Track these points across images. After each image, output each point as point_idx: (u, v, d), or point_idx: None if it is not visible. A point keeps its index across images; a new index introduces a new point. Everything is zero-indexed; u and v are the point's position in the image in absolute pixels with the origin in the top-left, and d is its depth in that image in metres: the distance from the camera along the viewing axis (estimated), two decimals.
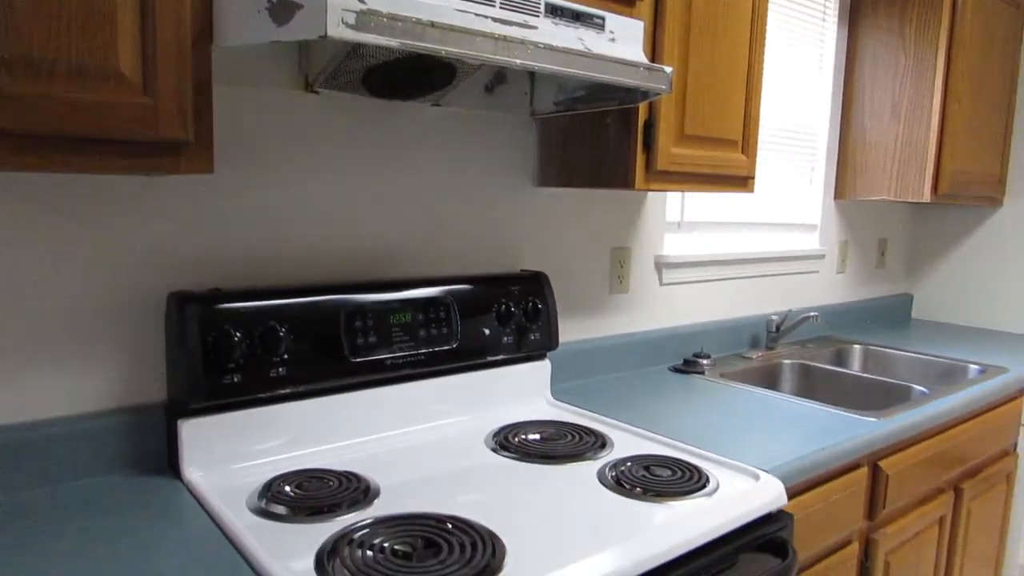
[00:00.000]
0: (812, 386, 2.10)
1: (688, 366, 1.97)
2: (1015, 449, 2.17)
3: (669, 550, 1.00)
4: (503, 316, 1.52)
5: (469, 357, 1.47)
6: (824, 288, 2.63)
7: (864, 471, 1.49)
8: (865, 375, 2.02)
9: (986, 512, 2.03)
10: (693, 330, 2.10)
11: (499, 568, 0.91)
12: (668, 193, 2.02)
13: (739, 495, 1.16)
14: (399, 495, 1.12)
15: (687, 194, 2.08)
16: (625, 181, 1.46)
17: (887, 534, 1.59)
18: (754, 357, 2.14)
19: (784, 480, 1.25)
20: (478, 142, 1.58)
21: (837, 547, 1.49)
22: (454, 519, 1.03)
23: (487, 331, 1.50)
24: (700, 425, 1.48)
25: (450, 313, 1.44)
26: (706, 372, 1.94)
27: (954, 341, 2.52)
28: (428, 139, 1.50)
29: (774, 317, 2.26)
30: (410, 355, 1.38)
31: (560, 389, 1.74)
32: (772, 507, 1.17)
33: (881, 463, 1.54)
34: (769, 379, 2.09)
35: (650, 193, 1.96)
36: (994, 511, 2.08)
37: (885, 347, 2.37)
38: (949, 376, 2.18)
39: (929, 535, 1.78)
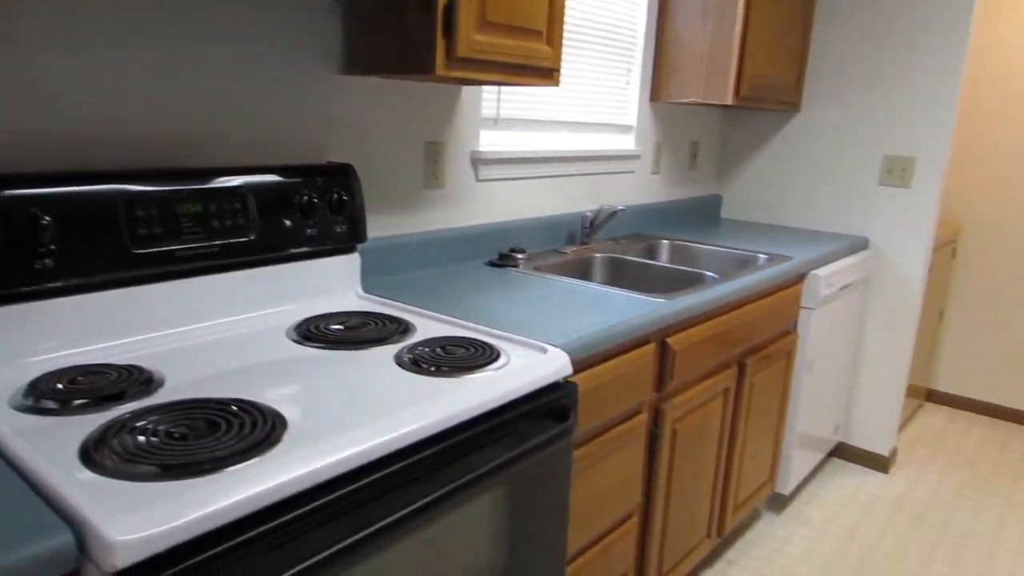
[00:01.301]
0: (621, 276, 2.23)
1: (503, 260, 2.03)
2: (795, 329, 2.42)
3: (451, 417, 1.05)
4: (306, 208, 1.49)
5: (269, 250, 1.43)
6: (640, 188, 2.76)
7: (652, 347, 1.62)
8: (667, 265, 2.17)
9: (768, 386, 2.28)
10: (510, 226, 2.15)
11: (277, 441, 0.92)
12: (483, 88, 2.02)
13: (526, 367, 1.22)
14: (187, 387, 1.09)
15: (503, 90, 2.09)
16: (426, 67, 1.44)
17: (674, 405, 1.75)
18: (568, 252, 2.23)
19: (572, 353, 1.33)
20: (280, 24, 1.49)
21: (629, 415, 1.62)
22: (239, 401, 1.02)
23: (289, 223, 1.46)
24: (503, 310, 1.54)
25: (247, 204, 1.39)
26: (520, 266, 2.01)
27: (754, 237, 2.75)
28: (225, 17, 1.39)
29: (588, 214, 2.36)
30: (202, 247, 1.32)
31: (374, 284, 1.74)
32: (557, 377, 1.25)
33: (669, 340, 1.68)
34: (581, 271, 2.20)
35: (464, 88, 1.95)
36: (775, 385, 2.34)
37: (691, 242, 2.54)
38: (743, 265, 2.38)
39: (715, 406, 1.98)
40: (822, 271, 2.40)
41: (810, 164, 3.02)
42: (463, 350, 1.29)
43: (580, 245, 2.34)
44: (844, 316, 2.73)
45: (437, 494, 0.99)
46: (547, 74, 1.68)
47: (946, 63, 2.66)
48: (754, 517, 2.66)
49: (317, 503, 0.87)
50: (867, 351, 3.01)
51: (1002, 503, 2.86)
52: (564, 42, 2.25)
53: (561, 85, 2.27)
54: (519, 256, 2.04)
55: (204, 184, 1.33)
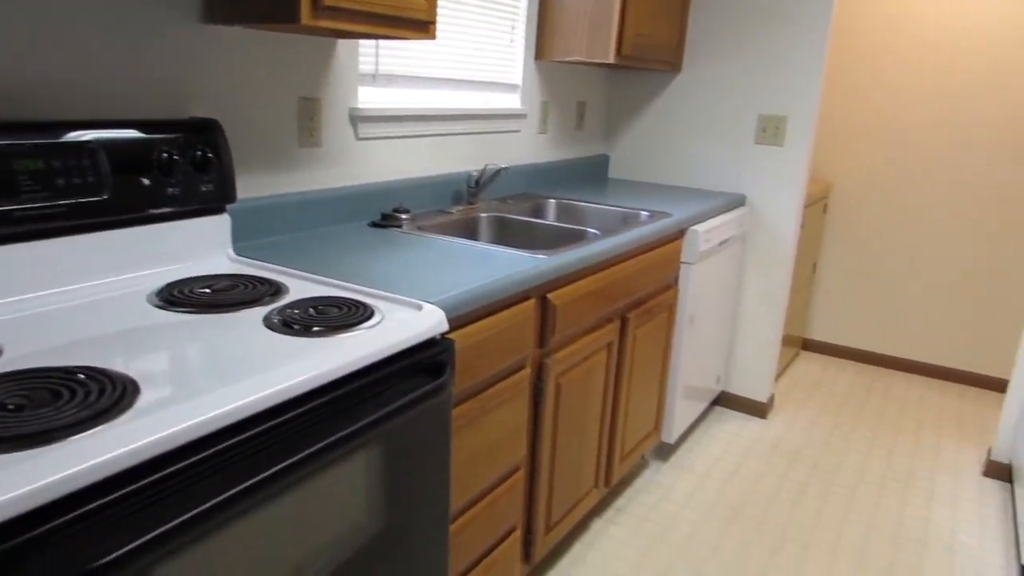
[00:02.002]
0: (506, 235, 2.23)
1: (386, 221, 1.99)
2: (676, 284, 2.50)
3: (317, 377, 1.02)
4: (166, 166, 1.40)
5: (126, 211, 1.35)
6: (527, 148, 2.76)
7: (533, 303, 1.63)
8: (551, 223, 2.18)
9: (650, 339, 2.35)
10: (394, 186, 2.11)
11: (127, 407, 0.87)
12: (360, 42, 1.95)
13: (400, 325, 1.21)
14: (30, 358, 1.02)
15: (381, 45, 2.02)
16: (291, 16, 1.37)
17: (557, 359, 1.78)
18: (454, 212, 2.21)
19: (449, 310, 1.32)
20: None
21: (512, 371, 1.64)
22: (88, 369, 0.96)
23: (147, 182, 1.38)
24: (382, 270, 1.51)
25: (97, 160, 1.29)
26: (404, 226, 1.97)
27: (639, 195, 2.81)
28: None
29: (474, 173, 2.34)
30: (46, 207, 1.23)
31: (248, 247, 1.67)
32: (432, 334, 1.24)
33: (550, 295, 1.69)
34: (467, 231, 2.19)
35: (339, 41, 1.88)
36: (657, 338, 2.42)
37: (577, 201, 2.57)
38: (626, 222, 2.42)
39: (598, 359, 2.02)
40: (701, 227, 2.48)
41: (691, 124, 3.10)
42: (336, 310, 1.25)
43: (466, 205, 2.33)
44: (723, 270, 2.85)
45: (302, 455, 0.96)
46: (422, 27, 1.63)
47: (813, 24, 2.77)
48: (642, 466, 2.76)
49: (171, 470, 0.83)
50: (746, 304, 3.15)
51: (867, 441, 3.08)
52: None
53: (442, 41, 2.23)
54: (402, 216, 2.01)
55: (46, 139, 1.23)
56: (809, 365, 3.95)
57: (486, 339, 1.48)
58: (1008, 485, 2.79)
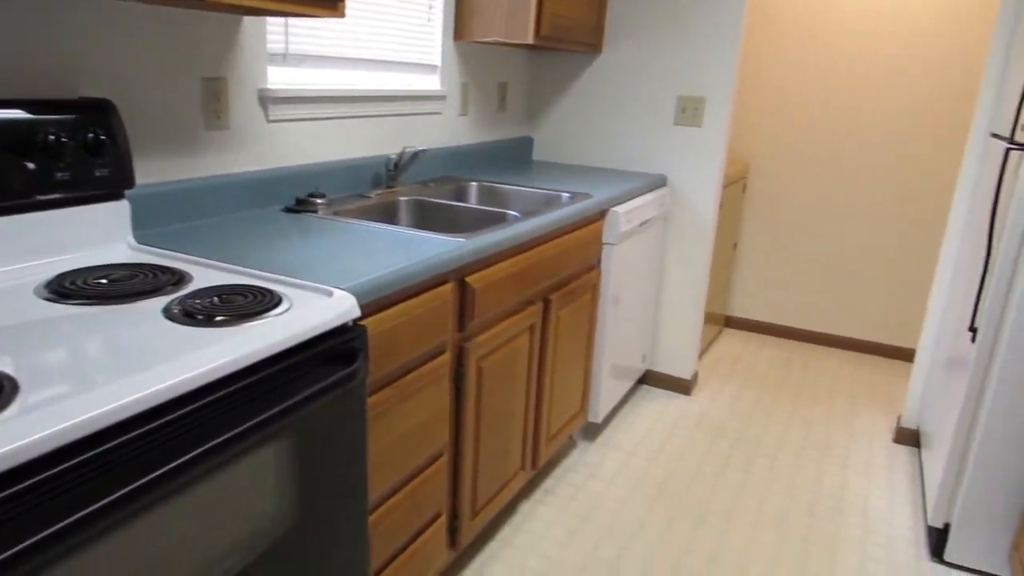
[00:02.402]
0: (427, 219, 2.20)
1: (300, 206, 1.93)
2: (598, 265, 2.52)
3: (218, 368, 0.97)
4: (53, 149, 1.32)
5: (9, 197, 1.26)
6: (448, 130, 2.72)
7: (451, 286, 1.61)
8: (472, 206, 2.16)
9: (574, 320, 2.36)
10: (309, 170, 2.05)
11: (3, 407, 0.81)
12: (268, 20, 1.88)
13: (310, 312, 1.17)
14: None
15: (291, 23, 1.95)
16: None
17: (478, 343, 1.76)
18: (373, 196, 2.16)
19: (362, 296, 1.29)
20: None
21: (431, 356, 1.61)
22: None
23: (32, 166, 1.29)
24: (294, 256, 1.46)
25: None
26: (319, 211, 1.92)
27: (562, 177, 2.81)
28: None
29: (393, 156, 2.29)
30: None
31: (152, 234, 1.59)
32: (343, 320, 1.21)
33: (468, 279, 1.67)
34: (386, 215, 2.14)
35: (245, 18, 1.81)
36: (581, 319, 2.43)
37: (500, 183, 2.55)
38: (548, 204, 2.42)
39: (521, 342, 2.02)
40: (621, 208, 2.50)
41: (613, 105, 3.11)
42: (242, 298, 1.21)
43: (385, 189, 2.28)
44: (645, 251, 2.88)
45: (203, 449, 0.92)
46: (330, 4, 1.58)
47: (729, 6, 2.81)
48: (570, 446, 2.78)
49: (55, 471, 0.78)
50: (669, 283, 3.20)
51: (786, 413, 3.18)
52: None
53: (355, 20, 2.17)
54: (318, 201, 1.95)
55: None
56: (731, 342, 4.05)
57: (402, 324, 1.45)
58: (916, 450, 2.93)
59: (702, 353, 3.80)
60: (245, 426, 0.99)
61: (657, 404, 3.19)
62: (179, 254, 1.44)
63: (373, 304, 1.36)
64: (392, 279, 1.38)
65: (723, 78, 2.88)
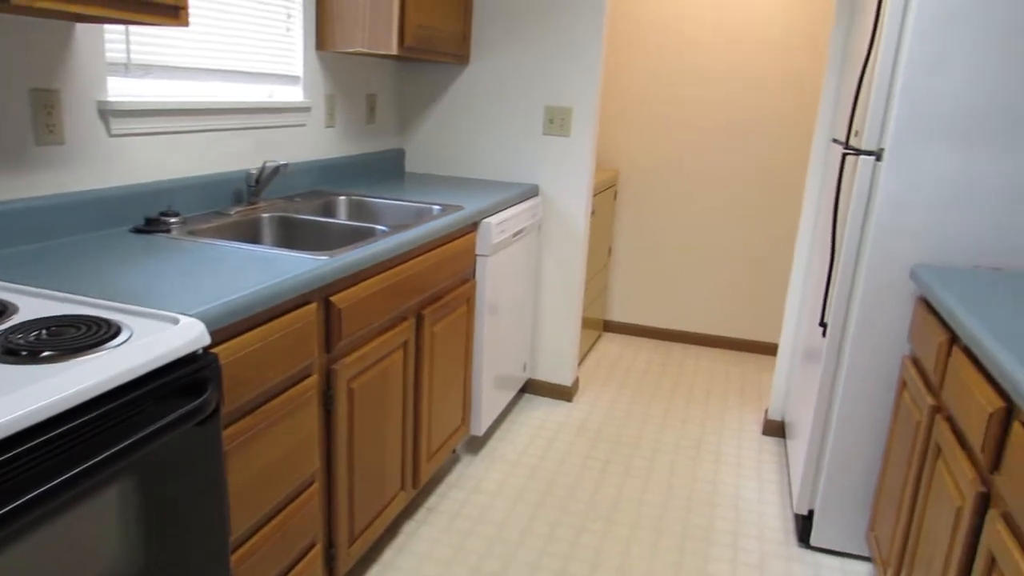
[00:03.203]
0: (292, 237, 2.12)
1: (151, 226, 1.81)
2: (473, 276, 2.51)
3: (39, 410, 0.88)
4: None
5: None
6: (314, 143, 2.64)
7: (315, 306, 1.55)
8: (340, 222, 2.09)
9: (449, 334, 2.33)
10: (161, 187, 1.92)
11: None
12: (106, 28, 1.75)
13: (152, 342, 1.08)
14: None
15: (132, 31, 1.83)
16: None
17: (347, 364, 1.70)
18: (233, 213, 2.05)
19: (213, 322, 1.21)
20: None
21: (296, 380, 1.54)
22: None
23: None
24: (139, 282, 1.36)
25: None
26: (173, 231, 1.80)
27: (434, 189, 2.78)
28: None
29: (254, 171, 2.19)
30: None
31: None
32: (191, 349, 1.13)
33: (333, 298, 1.61)
34: (248, 233, 2.04)
35: (79, 25, 1.67)
36: (457, 333, 2.40)
37: (370, 197, 2.49)
38: (418, 217, 2.38)
39: (395, 359, 1.97)
40: (494, 219, 2.50)
41: (483, 116, 3.12)
42: (74, 330, 1.10)
43: (247, 205, 2.17)
44: (520, 261, 2.89)
45: (24, 499, 0.83)
46: (171, 12, 1.48)
47: (591, 17, 2.88)
48: (453, 461, 2.75)
49: None
50: (546, 292, 3.24)
51: (663, 413, 3.28)
52: None
53: (204, 28, 2.06)
54: (171, 220, 1.83)
55: None
56: (610, 346, 4.15)
57: (262, 349, 1.38)
58: (783, 440, 3.09)
59: (582, 359, 3.86)
60: (77, 470, 0.90)
61: (539, 412, 3.21)
62: (3, 283, 1.31)
63: (228, 329, 1.29)
64: (248, 302, 1.31)
65: (588, 88, 2.94)
